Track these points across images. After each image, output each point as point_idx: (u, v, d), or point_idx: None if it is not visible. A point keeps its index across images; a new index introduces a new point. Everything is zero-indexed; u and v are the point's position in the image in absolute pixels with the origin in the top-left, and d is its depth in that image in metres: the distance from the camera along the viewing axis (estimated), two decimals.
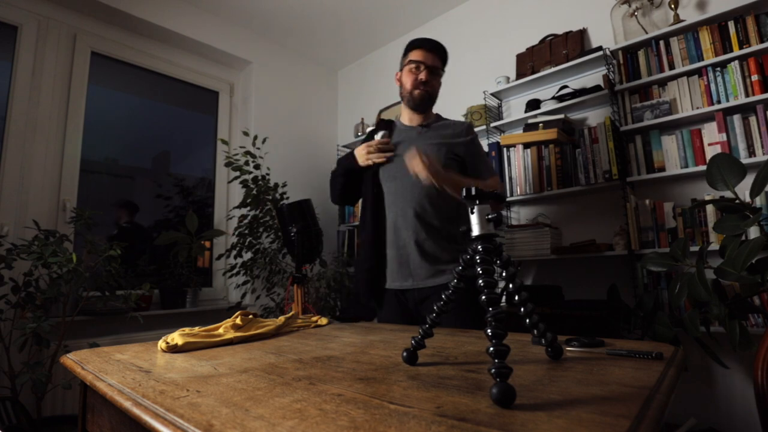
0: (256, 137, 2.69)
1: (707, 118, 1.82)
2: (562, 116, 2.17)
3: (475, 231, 0.58)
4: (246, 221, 2.60)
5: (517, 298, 0.63)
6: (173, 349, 0.82)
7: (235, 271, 2.57)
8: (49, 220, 2.19)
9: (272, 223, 2.64)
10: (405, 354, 0.66)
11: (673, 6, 1.94)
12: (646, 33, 1.98)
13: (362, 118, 3.33)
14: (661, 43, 1.93)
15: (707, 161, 1.46)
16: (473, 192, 0.57)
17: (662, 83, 1.93)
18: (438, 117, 1.52)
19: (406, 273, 1.35)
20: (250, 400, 0.49)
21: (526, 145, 2.22)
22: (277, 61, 3.29)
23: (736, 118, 1.73)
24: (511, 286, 0.63)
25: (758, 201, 1.60)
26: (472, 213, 0.58)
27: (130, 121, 2.68)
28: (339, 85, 3.79)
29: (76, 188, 2.32)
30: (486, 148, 2.42)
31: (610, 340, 0.77)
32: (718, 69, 1.78)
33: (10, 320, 1.75)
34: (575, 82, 2.27)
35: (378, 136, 1.46)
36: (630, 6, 2.06)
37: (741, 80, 1.72)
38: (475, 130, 2.41)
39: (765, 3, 1.73)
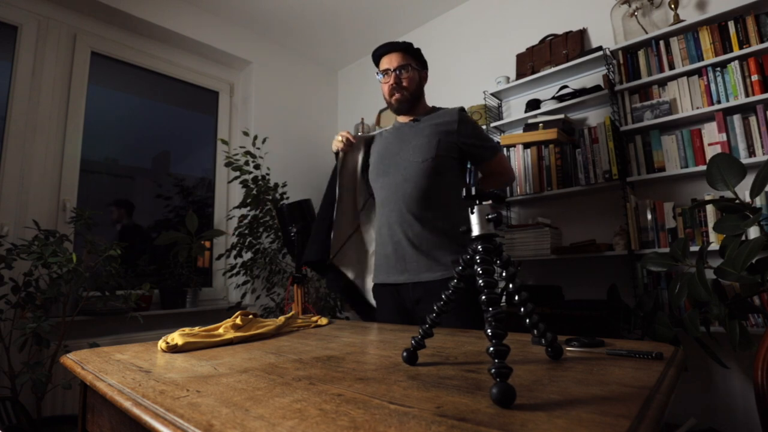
0: (256, 137, 2.69)
1: (707, 118, 1.82)
2: (562, 116, 2.17)
3: (475, 231, 0.58)
4: (246, 221, 2.60)
5: (517, 298, 0.63)
6: (173, 349, 0.82)
7: (235, 271, 2.56)
8: (49, 220, 2.19)
9: (272, 223, 2.64)
10: (405, 354, 0.66)
11: (673, 6, 1.94)
12: (646, 33, 1.98)
13: (362, 118, 3.33)
14: (661, 43, 1.93)
15: (707, 161, 1.46)
16: (473, 192, 0.57)
17: (662, 83, 1.93)
18: (432, 108, 1.51)
19: (401, 268, 1.35)
20: (250, 400, 0.49)
21: (526, 145, 2.22)
22: (277, 61, 3.29)
23: (736, 118, 1.73)
24: (511, 286, 0.63)
25: (758, 201, 1.60)
26: (472, 213, 0.58)
27: (130, 121, 2.68)
28: (339, 85, 3.79)
29: (76, 188, 2.32)
30: None
31: (610, 340, 0.77)
32: (718, 69, 1.78)
33: (10, 320, 1.75)
34: (575, 82, 2.27)
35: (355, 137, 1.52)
36: (630, 6, 2.06)
37: (741, 80, 1.72)
38: None
39: (765, 3, 1.73)
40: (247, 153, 2.61)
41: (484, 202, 0.58)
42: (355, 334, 1.02)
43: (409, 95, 1.42)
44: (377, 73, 1.46)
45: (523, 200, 2.33)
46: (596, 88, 2.10)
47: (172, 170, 2.85)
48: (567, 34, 2.27)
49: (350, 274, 1.53)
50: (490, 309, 0.51)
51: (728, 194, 1.35)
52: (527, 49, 2.40)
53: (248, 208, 2.60)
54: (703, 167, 1.69)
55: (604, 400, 0.45)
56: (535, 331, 0.65)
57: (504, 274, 0.62)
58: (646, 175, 1.90)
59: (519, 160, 2.25)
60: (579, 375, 0.56)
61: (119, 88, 2.65)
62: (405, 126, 1.47)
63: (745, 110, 1.75)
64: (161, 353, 0.82)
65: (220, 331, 0.96)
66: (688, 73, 1.86)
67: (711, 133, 1.79)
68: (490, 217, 0.57)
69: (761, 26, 1.71)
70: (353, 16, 3.00)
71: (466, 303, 1.29)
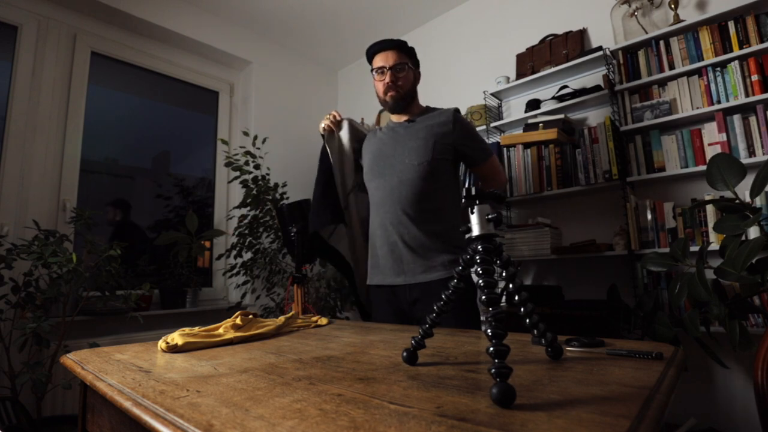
0: (256, 137, 2.69)
1: (707, 118, 1.82)
2: (562, 116, 2.17)
3: (475, 231, 0.58)
4: (246, 221, 2.60)
5: (517, 298, 0.63)
6: (173, 349, 0.83)
7: (235, 271, 2.56)
8: (49, 220, 2.19)
9: (272, 223, 2.64)
10: (405, 354, 0.66)
11: (673, 6, 1.94)
12: (646, 33, 1.98)
13: (362, 118, 3.33)
14: (661, 43, 1.93)
15: (707, 161, 1.46)
16: (473, 192, 0.57)
17: (662, 83, 1.93)
18: (426, 108, 1.50)
19: (399, 269, 1.34)
20: (250, 400, 0.49)
21: (526, 145, 2.22)
22: (277, 61, 3.29)
23: (736, 118, 1.73)
24: (511, 286, 0.63)
25: (758, 201, 1.60)
26: (472, 213, 0.58)
27: (130, 121, 2.68)
28: (339, 85, 3.79)
29: (76, 188, 2.32)
30: None
31: (610, 340, 0.77)
32: (718, 69, 1.78)
33: (10, 320, 1.75)
34: (575, 82, 2.27)
35: (345, 122, 1.55)
36: (630, 6, 2.06)
37: (741, 80, 1.72)
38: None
39: (765, 3, 1.73)
40: (247, 153, 2.61)
41: (483, 202, 0.58)
42: (355, 334, 1.02)
43: (404, 93, 1.42)
44: (372, 71, 1.45)
45: (523, 200, 2.32)
46: (596, 88, 2.10)
47: (172, 170, 2.85)
48: (567, 34, 2.27)
49: (347, 258, 1.55)
50: (490, 309, 0.51)
51: (728, 194, 1.35)
52: (527, 49, 2.40)
53: (248, 208, 2.60)
54: (703, 167, 1.69)
55: (604, 400, 0.45)
56: (535, 331, 0.65)
57: (504, 274, 0.62)
58: (646, 175, 1.90)
59: (519, 160, 2.25)
60: (579, 375, 0.56)
61: (119, 88, 2.65)
62: (400, 126, 1.46)
63: (745, 110, 1.74)
64: (161, 353, 0.82)
65: (220, 331, 0.96)
66: (688, 73, 1.86)
67: (711, 133, 1.79)
68: (490, 217, 0.57)
69: (761, 26, 1.71)
70: (353, 16, 3.00)
71: (464, 303, 1.29)
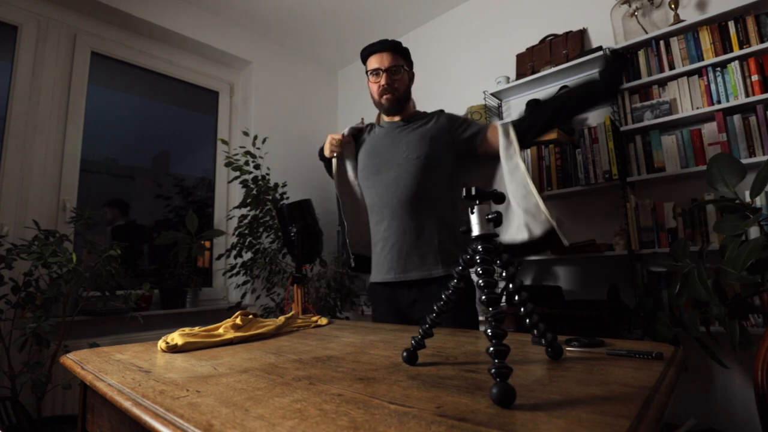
0: (256, 137, 2.69)
1: (707, 118, 1.82)
2: None
3: (475, 231, 0.58)
4: (246, 221, 2.60)
5: (517, 298, 0.63)
6: (173, 349, 0.82)
7: (235, 271, 2.56)
8: (49, 220, 2.19)
9: (272, 223, 2.64)
10: (405, 354, 0.66)
11: (673, 6, 1.94)
12: (646, 33, 1.98)
13: (362, 118, 3.32)
14: (661, 43, 1.93)
15: (707, 161, 1.46)
16: (473, 192, 0.57)
17: (662, 83, 1.93)
18: (416, 113, 1.48)
19: (397, 266, 1.34)
20: (250, 400, 0.49)
21: None
22: (277, 61, 3.29)
23: (736, 118, 1.73)
24: (511, 286, 0.63)
25: (758, 201, 1.60)
26: (472, 213, 0.58)
27: (130, 121, 2.68)
28: (339, 85, 3.79)
29: (76, 188, 2.32)
30: None
31: (610, 340, 0.77)
32: (718, 69, 1.78)
33: (10, 320, 1.75)
34: (575, 82, 2.27)
35: (345, 131, 1.53)
36: (630, 6, 2.06)
37: (741, 80, 1.72)
38: None
39: (765, 3, 1.73)
40: (247, 153, 2.61)
41: (483, 202, 0.58)
42: (355, 334, 1.02)
43: (399, 96, 1.40)
44: (366, 72, 1.42)
45: None
46: None
47: (172, 170, 2.85)
48: (567, 34, 2.27)
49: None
50: (490, 309, 0.51)
51: (728, 194, 1.35)
52: (527, 49, 2.40)
53: (248, 208, 2.60)
54: (703, 167, 1.69)
55: (604, 400, 0.45)
56: (535, 331, 0.65)
57: (504, 274, 0.62)
58: (646, 175, 1.90)
59: None
60: (579, 375, 0.55)
61: (119, 88, 2.65)
62: (394, 125, 1.45)
63: (745, 110, 1.74)
64: (161, 353, 0.82)
65: (220, 331, 0.96)
66: (688, 73, 1.86)
67: (711, 133, 1.79)
68: (490, 217, 0.57)
69: (761, 26, 1.71)
70: (353, 16, 3.00)
71: (462, 303, 1.29)
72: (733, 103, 1.72)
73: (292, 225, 1.59)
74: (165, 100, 2.87)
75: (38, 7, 2.29)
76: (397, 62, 1.39)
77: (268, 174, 2.74)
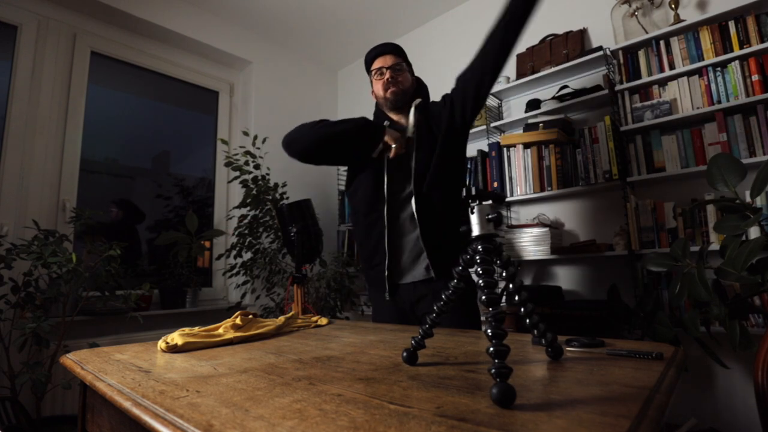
0: (256, 137, 2.69)
1: (707, 118, 1.82)
2: (562, 116, 2.17)
3: (475, 231, 0.58)
4: (246, 221, 2.60)
5: (517, 298, 0.63)
6: (173, 349, 0.82)
7: (235, 271, 2.56)
8: (49, 220, 2.19)
9: (272, 223, 2.64)
10: (405, 354, 0.66)
11: (673, 6, 1.94)
12: (647, 33, 1.98)
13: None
14: (662, 43, 1.93)
15: (707, 161, 1.46)
16: (473, 192, 0.57)
17: (662, 83, 1.93)
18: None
19: (402, 268, 1.35)
20: (250, 400, 0.49)
21: (526, 145, 2.22)
22: (277, 61, 3.29)
23: (737, 118, 1.72)
24: (511, 286, 0.62)
25: (758, 201, 1.60)
26: (472, 213, 0.58)
27: (130, 121, 2.68)
28: (339, 85, 3.79)
29: (75, 188, 2.32)
30: (486, 149, 2.42)
31: (610, 340, 0.77)
32: (719, 69, 1.78)
33: (9, 320, 1.75)
34: (575, 82, 2.27)
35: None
36: (630, 6, 2.06)
37: (741, 80, 1.72)
38: (475, 130, 2.43)
39: (765, 3, 1.73)
40: (247, 153, 2.61)
41: (484, 202, 0.58)
42: (355, 334, 1.02)
43: (404, 89, 1.43)
44: (369, 71, 1.48)
45: (523, 200, 2.32)
46: (596, 88, 2.10)
47: (172, 170, 2.85)
48: (567, 34, 2.27)
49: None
50: (490, 309, 0.51)
51: (728, 194, 1.35)
52: (527, 49, 2.40)
53: (248, 208, 2.60)
54: (704, 167, 1.69)
55: (604, 400, 0.45)
56: (535, 331, 0.65)
57: (504, 274, 0.62)
58: (647, 175, 1.90)
59: (519, 160, 2.25)
60: (579, 375, 0.55)
61: (119, 88, 2.65)
62: (399, 127, 1.46)
63: (745, 110, 1.74)
64: (161, 353, 0.82)
65: (220, 331, 0.96)
66: (689, 73, 1.86)
67: (711, 133, 1.79)
68: (490, 217, 0.57)
69: (762, 26, 1.71)
70: (353, 16, 3.00)
71: (462, 303, 1.29)
72: (733, 103, 1.72)
73: (292, 225, 1.59)
74: (165, 100, 2.87)
75: (38, 7, 2.29)
76: (400, 61, 1.45)
77: (268, 174, 2.74)
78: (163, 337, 0.87)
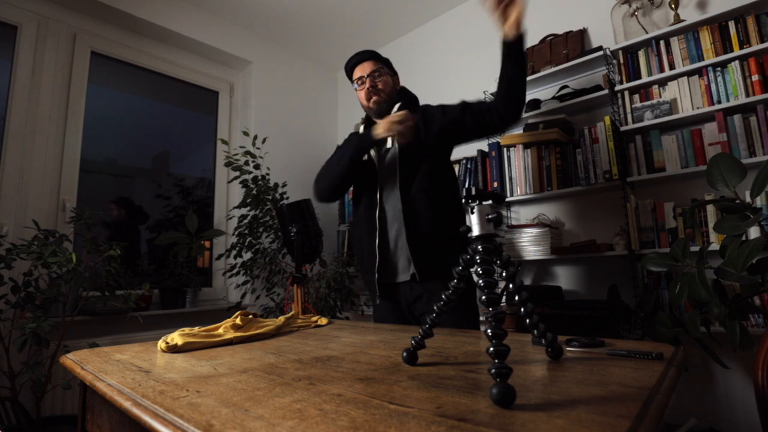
0: (256, 137, 2.69)
1: (707, 118, 1.82)
2: (562, 116, 2.17)
3: (475, 231, 0.58)
4: (246, 221, 2.60)
5: (517, 298, 0.63)
6: (173, 349, 0.82)
7: (235, 271, 2.56)
8: (49, 220, 2.19)
9: (272, 223, 2.64)
10: (405, 354, 0.66)
11: (673, 6, 1.94)
12: (647, 33, 1.98)
13: (362, 118, 3.32)
14: (662, 43, 1.93)
15: (707, 161, 1.46)
16: (473, 192, 0.57)
17: (662, 83, 1.93)
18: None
19: (401, 268, 1.35)
20: (249, 400, 0.49)
21: (526, 145, 2.22)
22: (277, 61, 3.29)
23: (737, 118, 1.72)
24: (511, 286, 0.62)
25: (758, 201, 1.60)
26: (472, 213, 0.58)
27: (130, 121, 2.68)
28: (339, 85, 3.79)
29: (75, 188, 2.32)
30: (486, 149, 2.42)
31: (611, 340, 0.77)
32: (719, 69, 1.78)
33: (9, 320, 1.75)
34: (575, 82, 2.27)
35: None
36: (630, 6, 2.06)
37: (741, 80, 1.72)
38: None
39: (765, 3, 1.73)
40: (247, 153, 2.61)
41: (484, 202, 0.58)
42: (355, 334, 1.02)
43: (386, 97, 1.44)
44: (352, 83, 1.50)
45: (523, 200, 2.32)
46: (596, 88, 2.10)
47: (172, 170, 2.85)
48: (567, 34, 2.27)
49: None
50: (490, 309, 0.51)
51: (728, 194, 1.35)
52: (527, 49, 2.40)
53: (248, 208, 2.60)
54: (704, 167, 1.69)
55: (604, 400, 0.45)
56: (535, 331, 0.65)
57: (504, 274, 0.62)
58: (647, 175, 1.90)
59: (519, 160, 2.25)
60: (579, 375, 0.55)
61: (119, 88, 2.64)
62: None
63: (745, 110, 1.74)
64: (161, 353, 0.82)
65: (220, 331, 0.96)
66: (689, 73, 1.86)
67: (711, 133, 1.79)
68: (490, 217, 0.57)
69: (762, 26, 1.71)
70: (353, 17, 3.00)
71: (461, 303, 1.29)
72: (733, 103, 1.72)
73: (292, 225, 1.59)
74: (165, 100, 2.87)
75: (38, 7, 2.29)
76: (377, 66, 1.46)
77: (268, 174, 2.73)
78: (163, 337, 0.87)
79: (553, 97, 2.25)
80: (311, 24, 3.07)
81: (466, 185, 2.48)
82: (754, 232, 1.54)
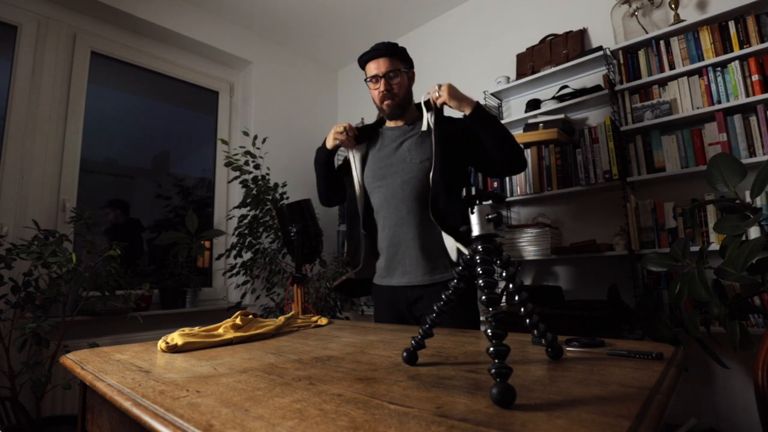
0: (256, 137, 2.69)
1: (707, 118, 1.82)
2: (562, 116, 2.17)
3: (475, 231, 0.58)
4: (246, 221, 2.60)
5: (517, 298, 0.63)
6: (173, 349, 0.82)
7: (235, 271, 2.56)
8: (49, 220, 2.19)
9: (272, 223, 2.64)
10: (405, 354, 0.66)
11: (673, 6, 1.94)
12: (647, 33, 1.98)
13: (362, 118, 3.33)
14: (662, 43, 1.93)
15: (707, 161, 1.46)
16: (473, 192, 0.57)
17: (662, 83, 1.93)
18: (420, 115, 1.46)
19: (401, 270, 1.35)
20: (249, 400, 0.49)
21: (527, 145, 2.22)
22: (277, 61, 3.29)
23: (737, 118, 1.73)
24: (511, 286, 0.62)
25: (758, 201, 1.60)
26: (472, 213, 0.58)
27: (130, 121, 2.68)
28: (339, 85, 3.79)
29: (75, 188, 2.32)
30: None
31: (611, 340, 0.77)
32: (719, 69, 1.78)
33: (9, 320, 1.75)
34: (575, 82, 2.27)
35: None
36: (630, 6, 2.06)
37: (741, 80, 1.72)
38: None
39: (765, 3, 1.73)
40: (247, 153, 2.61)
41: (484, 202, 0.58)
42: (355, 334, 1.02)
43: (400, 100, 1.41)
44: (365, 79, 1.43)
45: (523, 200, 2.32)
46: (596, 88, 2.10)
47: (172, 170, 2.85)
48: (567, 34, 2.27)
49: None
50: (490, 309, 0.51)
51: (728, 194, 1.35)
52: (527, 49, 2.40)
53: (248, 208, 2.60)
54: (704, 167, 1.69)
55: (604, 400, 0.45)
56: (535, 331, 0.65)
57: (504, 274, 0.62)
58: (647, 175, 1.90)
59: None
60: (579, 375, 0.55)
61: (119, 88, 2.65)
62: (398, 130, 1.45)
63: (745, 110, 1.74)
64: (161, 353, 0.82)
65: (220, 331, 0.96)
66: (689, 73, 1.86)
67: (711, 133, 1.79)
68: (490, 217, 0.57)
69: (762, 26, 1.71)
70: (353, 16, 3.00)
71: (461, 303, 1.29)
72: (733, 103, 1.72)
73: (292, 225, 1.59)
74: (165, 100, 2.87)
75: (38, 7, 2.29)
76: (394, 66, 1.39)
77: (268, 174, 2.74)
78: (163, 337, 0.87)
79: (553, 97, 2.25)
80: (311, 24, 3.07)
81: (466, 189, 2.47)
82: (754, 232, 1.54)
